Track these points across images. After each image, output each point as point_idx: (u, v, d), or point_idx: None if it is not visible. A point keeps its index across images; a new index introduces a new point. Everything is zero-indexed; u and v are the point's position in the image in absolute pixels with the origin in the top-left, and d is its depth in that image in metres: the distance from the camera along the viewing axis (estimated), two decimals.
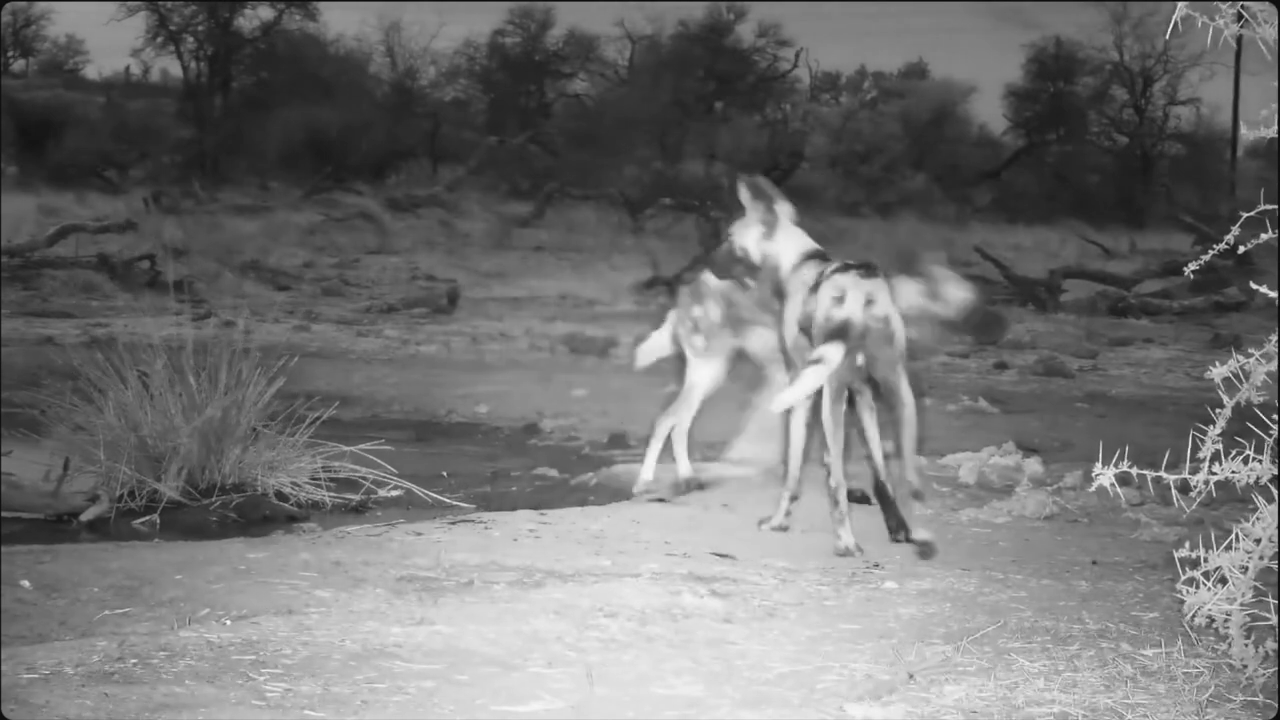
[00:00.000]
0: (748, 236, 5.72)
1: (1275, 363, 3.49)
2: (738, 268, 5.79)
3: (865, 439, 5.70)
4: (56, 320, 14.42)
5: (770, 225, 5.69)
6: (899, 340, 5.33)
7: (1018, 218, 33.52)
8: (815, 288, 5.41)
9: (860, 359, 5.32)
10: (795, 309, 5.55)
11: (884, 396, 5.36)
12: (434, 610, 4.33)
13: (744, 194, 5.73)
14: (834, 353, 5.20)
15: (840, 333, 5.21)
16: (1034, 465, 7.01)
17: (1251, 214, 3.54)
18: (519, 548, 5.30)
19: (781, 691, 3.63)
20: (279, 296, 17.42)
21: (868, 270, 5.33)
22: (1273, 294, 3.50)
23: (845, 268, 5.34)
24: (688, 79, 40.99)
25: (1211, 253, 3.68)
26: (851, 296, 5.24)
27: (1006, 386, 11.62)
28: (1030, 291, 18.56)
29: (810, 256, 5.62)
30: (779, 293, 5.66)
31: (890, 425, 5.50)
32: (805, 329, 5.49)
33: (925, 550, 5.31)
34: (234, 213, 26.34)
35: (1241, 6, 3.50)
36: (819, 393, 5.48)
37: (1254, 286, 3.68)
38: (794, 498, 5.76)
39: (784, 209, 5.73)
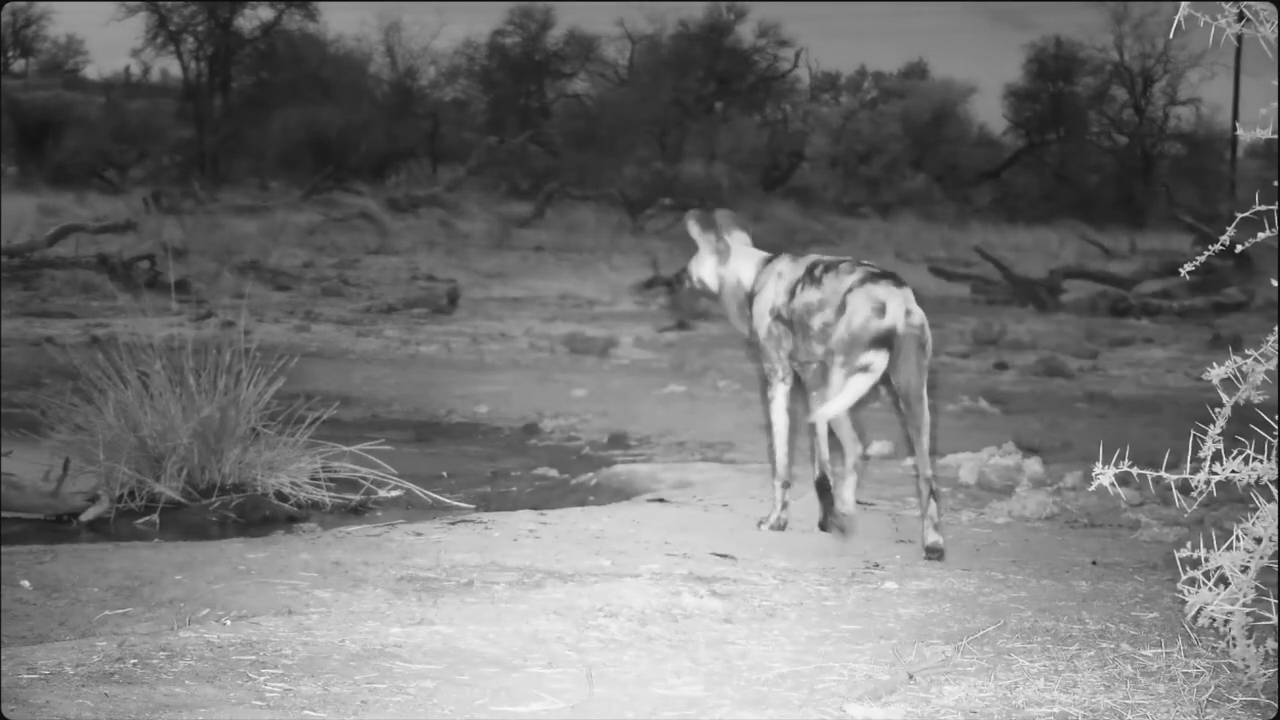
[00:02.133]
0: (704, 268, 5.89)
1: (1274, 362, 3.49)
2: (700, 301, 5.98)
3: (815, 434, 5.73)
4: (56, 320, 14.43)
5: (724, 254, 5.84)
6: (929, 347, 5.38)
7: (1018, 218, 33.48)
8: (815, 282, 5.45)
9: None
10: (768, 299, 5.64)
11: (903, 399, 5.38)
12: (434, 610, 4.33)
13: (693, 229, 5.89)
14: (880, 360, 5.29)
15: (885, 340, 5.28)
16: (1034, 465, 7.00)
17: (1247, 214, 3.53)
18: (519, 548, 5.30)
19: (781, 692, 3.63)
20: (279, 296, 17.43)
21: (896, 280, 5.38)
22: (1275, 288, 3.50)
23: (874, 277, 5.37)
24: (688, 79, 40.93)
25: (1206, 254, 3.68)
26: (892, 306, 5.30)
27: (1006, 386, 11.62)
28: (1030, 291, 18.56)
29: (769, 260, 5.75)
30: (749, 299, 5.76)
31: (901, 425, 5.52)
32: (780, 317, 5.57)
33: (934, 554, 5.30)
34: (234, 213, 26.32)
35: (1243, 6, 3.50)
36: (804, 387, 5.59)
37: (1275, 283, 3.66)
38: (786, 485, 5.76)
39: (738, 237, 5.86)
